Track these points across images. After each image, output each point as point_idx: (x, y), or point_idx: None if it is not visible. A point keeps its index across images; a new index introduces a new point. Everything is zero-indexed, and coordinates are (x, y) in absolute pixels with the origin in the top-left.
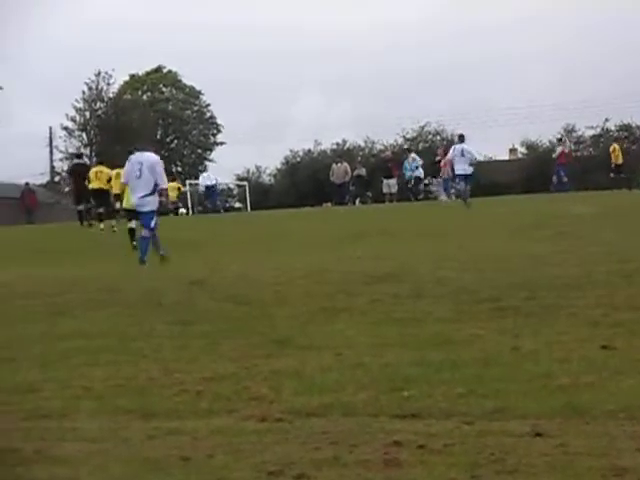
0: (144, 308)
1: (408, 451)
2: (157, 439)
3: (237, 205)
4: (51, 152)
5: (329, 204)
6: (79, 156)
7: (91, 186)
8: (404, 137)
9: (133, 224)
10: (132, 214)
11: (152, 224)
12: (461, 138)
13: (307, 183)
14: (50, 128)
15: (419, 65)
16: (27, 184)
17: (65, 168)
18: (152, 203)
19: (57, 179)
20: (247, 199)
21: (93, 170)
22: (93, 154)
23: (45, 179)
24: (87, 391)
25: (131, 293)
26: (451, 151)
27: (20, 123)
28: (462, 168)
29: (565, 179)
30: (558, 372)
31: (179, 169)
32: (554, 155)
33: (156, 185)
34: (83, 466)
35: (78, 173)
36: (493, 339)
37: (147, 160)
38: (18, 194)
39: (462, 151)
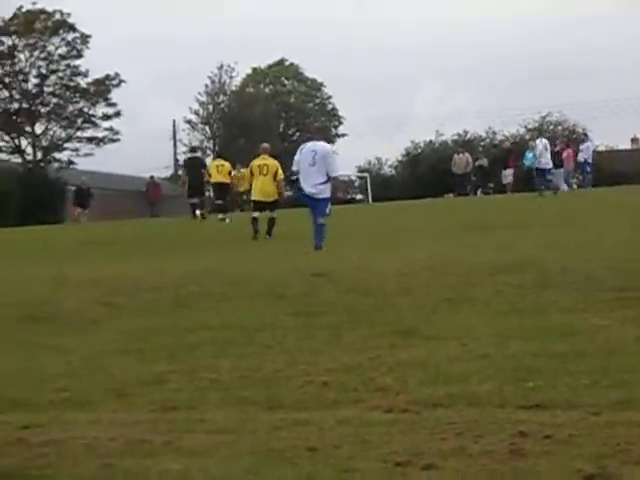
0: (267, 300)
1: (533, 441)
2: (283, 430)
3: (358, 197)
4: (175, 145)
5: (450, 195)
6: (193, 150)
7: (212, 180)
8: (525, 127)
9: (257, 214)
10: (258, 205)
11: (327, 211)
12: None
13: (428, 174)
14: (174, 122)
15: (541, 54)
16: (152, 177)
17: None
18: (326, 191)
19: (180, 172)
20: (368, 191)
21: (214, 164)
22: (216, 147)
23: (169, 172)
24: (214, 383)
25: (254, 285)
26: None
27: (146, 117)
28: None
29: None
30: None
31: None
32: None
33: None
34: (211, 457)
35: (192, 167)
36: (618, 329)
37: (321, 149)
38: (144, 187)
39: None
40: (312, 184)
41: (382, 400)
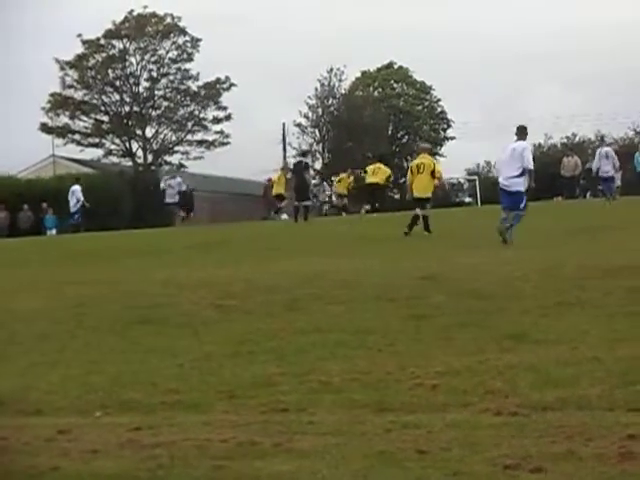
0: (378, 303)
1: None
2: (393, 433)
3: (467, 200)
4: (284, 149)
5: (559, 198)
6: (303, 154)
7: (368, 180)
8: (635, 130)
9: (418, 211)
10: (417, 203)
11: (522, 205)
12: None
13: (537, 177)
14: (283, 125)
15: None
16: (269, 180)
17: None
18: (520, 184)
19: (289, 176)
20: (477, 193)
21: (371, 167)
22: (325, 150)
23: None
24: (324, 385)
25: (365, 288)
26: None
27: (256, 121)
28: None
29: None
30: None
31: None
32: None
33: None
34: (321, 460)
35: (296, 171)
36: None
37: (519, 145)
38: (257, 191)
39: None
40: (505, 176)
41: (491, 403)
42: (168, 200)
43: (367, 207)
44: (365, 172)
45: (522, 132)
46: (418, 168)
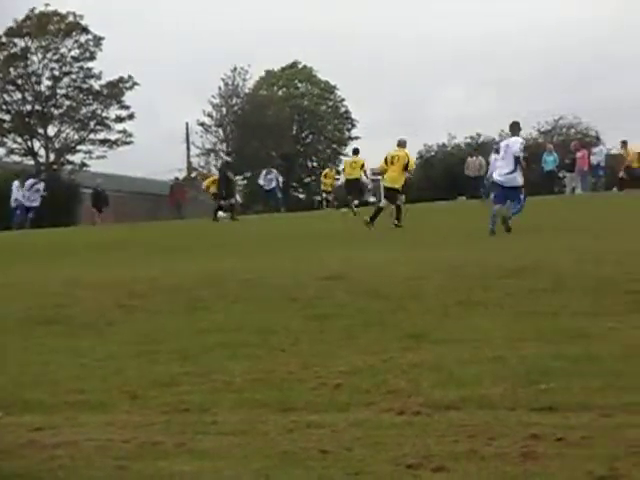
0: (281, 303)
1: (546, 444)
2: (296, 432)
3: (372, 199)
4: (188, 148)
5: (463, 197)
6: (229, 153)
7: (346, 177)
8: (539, 130)
9: (383, 203)
10: (386, 193)
11: (521, 197)
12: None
13: (441, 177)
14: (187, 124)
15: (555, 56)
16: (177, 179)
17: (202, 164)
18: (516, 179)
19: (194, 175)
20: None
21: (348, 161)
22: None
23: (182, 175)
24: (227, 385)
25: (269, 288)
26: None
27: (159, 120)
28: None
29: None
30: None
31: (314, 164)
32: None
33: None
34: (223, 459)
35: (220, 169)
36: (631, 332)
37: (512, 141)
38: (162, 190)
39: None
40: (501, 173)
41: (394, 402)
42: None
43: (356, 202)
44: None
45: (515, 128)
46: (392, 159)
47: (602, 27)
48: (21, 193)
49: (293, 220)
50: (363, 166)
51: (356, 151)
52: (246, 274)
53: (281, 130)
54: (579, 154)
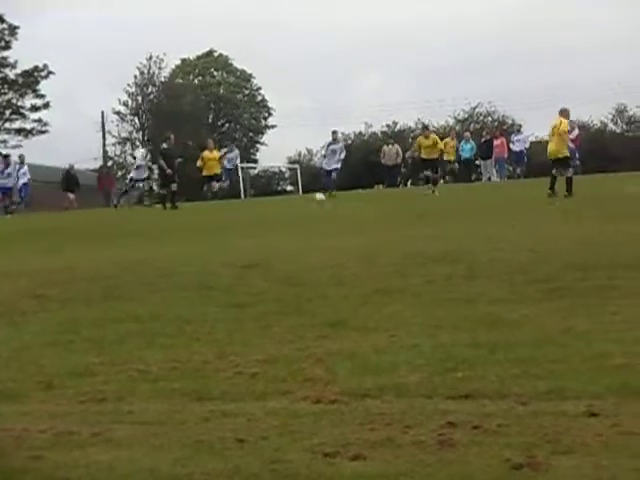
0: (197, 291)
1: (462, 432)
2: (212, 421)
3: (289, 188)
4: (104, 137)
5: (380, 186)
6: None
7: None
8: (455, 118)
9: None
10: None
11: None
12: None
13: (358, 165)
14: (102, 112)
15: (472, 44)
16: (104, 166)
17: (117, 152)
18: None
19: (110, 164)
20: (299, 182)
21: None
22: (145, 138)
23: (98, 164)
24: (143, 374)
25: (185, 276)
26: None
27: (75, 109)
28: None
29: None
30: (612, 352)
31: None
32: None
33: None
34: (139, 449)
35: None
36: (547, 320)
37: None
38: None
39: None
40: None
41: (311, 391)
42: None
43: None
44: None
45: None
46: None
47: (519, 16)
48: None
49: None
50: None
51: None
52: (164, 262)
53: (197, 119)
54: (497, 142)
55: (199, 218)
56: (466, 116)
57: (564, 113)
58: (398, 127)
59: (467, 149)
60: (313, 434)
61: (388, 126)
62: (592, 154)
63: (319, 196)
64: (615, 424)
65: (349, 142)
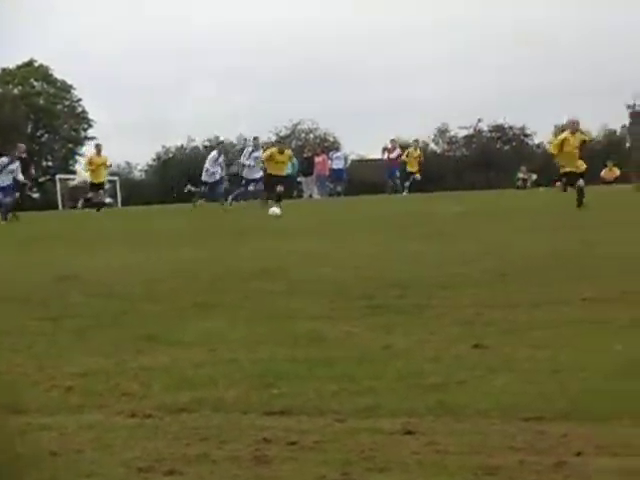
0: (13, 304)
1: (278, 448)
2: (28, 435)
3: (108, 200)
4: None
5: (202, 201)
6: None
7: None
8: (277, 135)
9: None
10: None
11: None
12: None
13: (179, 179)
14: None
15: (297, 65)
16: None
17: None
18: None
19: None
20: (117, 194)
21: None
22: None
23: None
24: None
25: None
26: None
27: None
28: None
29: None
30: (429, 370)
31: (49, 163)
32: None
33: None
34: None
35: None
36: (366, 337)
37: None
38: None
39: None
40: None
41: (126, 405)
42: None
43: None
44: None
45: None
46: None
47: (338, 33)
48: None
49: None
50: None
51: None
52: None
53: (16, 128)
54: (318, 159)
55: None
56: (288, 133)
57: (572, 126)
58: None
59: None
60: (128, 448)
61: (209, 140)
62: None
63: (274, 210)
64: (430, 442)
65: (170, 155)
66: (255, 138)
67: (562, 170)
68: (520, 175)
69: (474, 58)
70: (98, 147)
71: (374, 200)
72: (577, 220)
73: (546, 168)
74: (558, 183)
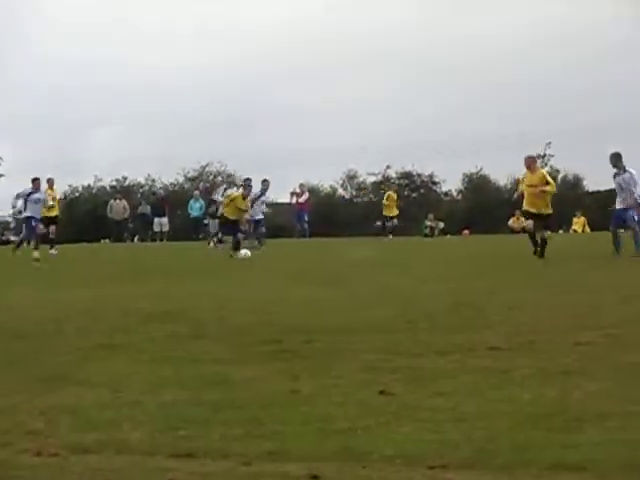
0: None
1: None
2: None
3: (13, 238)
4: None
5: (107, 240)
6: None
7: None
8: (185, 176)
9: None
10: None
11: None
12: None
13: (85, 219)
14: None
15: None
16: None
17: None
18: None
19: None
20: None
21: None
22: None
23: None
24: None
25: None
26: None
27: None
28: None
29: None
30: (335, 416)
31: None
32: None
33: None
34: None
35: None
36: (272, 381)
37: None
38: None
39: None
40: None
41: (32, 443)
42: None
43: None
44: None
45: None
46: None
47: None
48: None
49: None
50: None
51: None
52: None
53: None
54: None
55: None
56: (196, 174)
57: (529, 161)
58: (127, 182)
59: (196, 207)
60: None
61: (117, 180)
62: (321, 218)
63: (244, 253)
64: None
65: (76, 194)
66: (264, 181)
67: (523, 208)
68: (428, 223)
69: (382, 105)
70: (50, 181)
71: (280, 244)
72: (484, 269)
73: (451, 216)
74: (465, 231)
